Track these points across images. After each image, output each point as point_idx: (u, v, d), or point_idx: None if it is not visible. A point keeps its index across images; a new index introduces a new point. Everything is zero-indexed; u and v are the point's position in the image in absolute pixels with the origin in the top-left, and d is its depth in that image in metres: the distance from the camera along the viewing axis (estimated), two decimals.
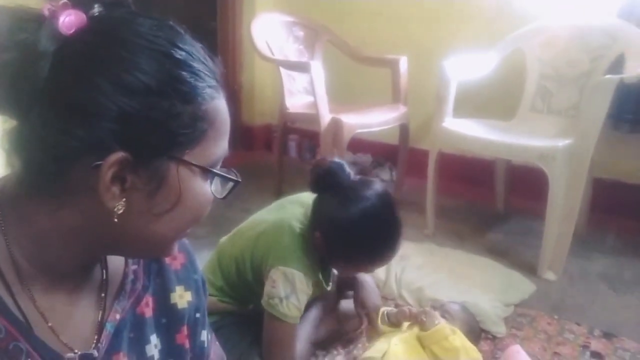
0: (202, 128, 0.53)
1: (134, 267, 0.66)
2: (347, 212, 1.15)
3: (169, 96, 0.51)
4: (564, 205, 1.80)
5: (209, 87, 0.54)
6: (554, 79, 2.19)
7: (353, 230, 1.16)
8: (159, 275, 0.69)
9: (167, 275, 0.69)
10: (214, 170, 0.56)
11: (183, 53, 0.52)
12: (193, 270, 0.73)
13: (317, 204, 1.21)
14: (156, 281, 0.68)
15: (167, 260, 0.70)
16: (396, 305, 1.59)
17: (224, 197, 0.60)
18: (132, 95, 0.49)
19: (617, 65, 1.98)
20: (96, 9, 0.52)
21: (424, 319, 1.25)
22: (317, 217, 1.20)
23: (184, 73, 0.52)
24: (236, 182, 0.59)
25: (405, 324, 1.31)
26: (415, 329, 1.29)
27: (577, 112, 1.99)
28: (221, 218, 1.42)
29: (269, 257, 1.19)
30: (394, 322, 1.33)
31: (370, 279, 1.44)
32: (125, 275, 0.64)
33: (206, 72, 0.54)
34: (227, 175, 0.58)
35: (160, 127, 0.51)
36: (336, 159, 1.20)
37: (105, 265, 0.63)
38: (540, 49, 2.21)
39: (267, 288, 1.18)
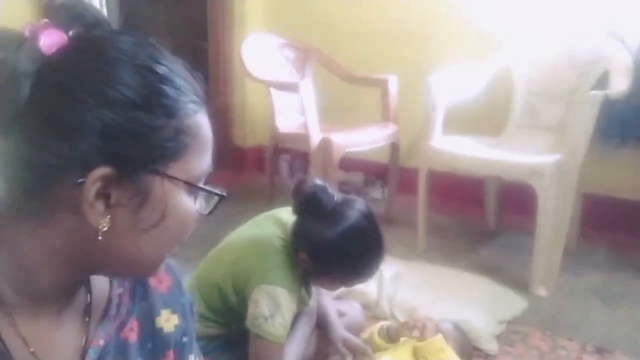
0: (185, 141, 0.53)
1: (119, 290, 0.65)
2: (333, 232, 1.16)
3: (152, 110, 0.51)
4: (554, 220, 1.81)
5: (192, 102, 0.54)
6: (541, 96, 2.22)
7: (340, 249, 1.17)
8: (145, 299, 0.68)
9: (152, 299, 0.68)
10: (198, 185, 0.56)
11: (165, 68, 0.53)
12: (180, 293, 0.73)
13: (300, 225, 1.21)
14: (141, 305, 0.67)
15: (153, 283, 0.70)
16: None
17: (209, 213, 0.59)
18: (115, 109, 0.49)
19: (603, 81, 2.01)
20: (76, 29, 0.53)
21: (423, 330, 1.25)
22: (302, 238, 1.20)
23: (166, 87, 0.52)
24: (221, 197, 0.59)
25: (402, 340, 1.32)
26: (409, 345, 1.29)
27: (565, 128, 2.02)
28: (212, 239, 1.40)
29: (251, 276, 1.19)
30: (393, 337, 1.33)
31: (332, 309, 1.42)
32: (110, 299, 0.64)
33: (188, 88, 0.55)
34: (211, 189, 0.58)
35: (143, 140, 0.51)
36: (318, 182, 1.20)
37: (89, 289, 0.62)
38: (528, 67, 2.25)
39: (251, 309, 1.17)
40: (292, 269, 1.21)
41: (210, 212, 0.60)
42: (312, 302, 1.32)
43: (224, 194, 0.59)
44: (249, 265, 1.21)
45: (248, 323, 1.18)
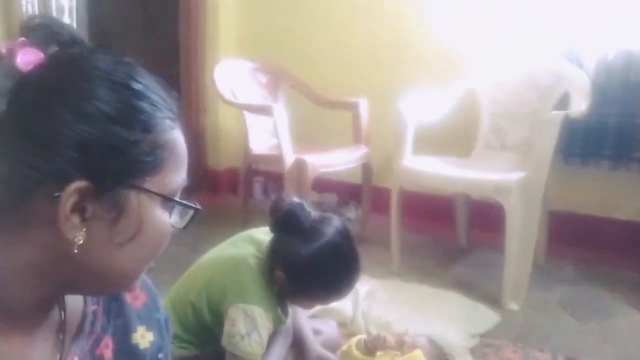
0: (162, 156, 0.54)
1: (94, 307, 0.65)
2: (311, 251, 1.17)
3: (128, 124, 0.52)
4: (522, 236, 1.87)
5: (167, 117, 0.56)
6: (506, 117, 2.30)
7: (318, 268, 1.18)
8: (120, 315, 0.68)
9: (128, 315, 0.68)
10: (174, 199, 0.57)
11: (141, 85, 0.54)
12: (155, 309, 0.72)
13: (277, 243, 1.22)
14: (116, 321, 0.67)
15: (129, 299, 0.69)
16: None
17: (184, 227, 0.60)
18: (92, 123, 0.50)
19: (564, 102, 2.10)
20: (53, 48, 0.54)
21: (402, 344, 1.27)
22: (279, 257, 1.21)
23: (142, 103, 0.54)
24: (196, 211, 0.60)
25: (379, 353, 1.33)
26: (387, 358, 1.30)
27: (529, 147, 2.09)
28: (187, 261, 1.40)
29: (227, 294, 1.19)
30: (370, 349, 1.34)
31: (307, 327, 1.43)
32: (84, 315, 0.63)
33: (164, 104, 0.56)
34: (186, 203, 0.59)
35: (120, 154, 0.52)
36: (295, 199, 1.22)
37: (63, 306, 0.61)
38: (492, 89, 2.34)
39: (227, 328, 1.17)
40: (268, 288, 1.21)
41: (185, 226, 0.61)
42: (288, 321, 1.33)
43: (199, 207, 0.60)
44: (224, 284, 1.21)
45: (224, 342, 1.17)
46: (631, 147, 2.19)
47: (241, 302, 1.17)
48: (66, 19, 2.36)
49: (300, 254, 1.18)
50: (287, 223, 1.19)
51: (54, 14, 2.34)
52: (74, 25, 2.44)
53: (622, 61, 2.17)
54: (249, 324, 1.15)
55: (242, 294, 1.18)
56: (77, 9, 2.51)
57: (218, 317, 1.21)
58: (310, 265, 1.18)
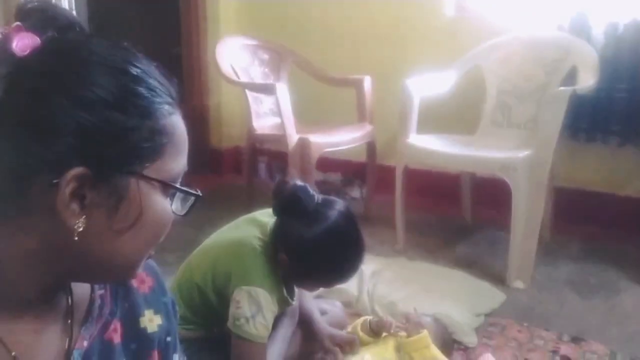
0: (161, 142, 0.54)
1: (101, 292, 0.65)
2: (314, 234, 1.17)
3: (127, 110, 0.51)
4: (528, 214, 1.86)
5: (166, 103, 0.55)
6: (512, 94, 2.27)
7: (321, 251, 1.18)
8: (127, 300, 0.68)
9: (135, 300, 0.69)
10: (175, 185, 0.57)
11: (139, 70, 0.53)
12: (162, 293, 0.73)
13: (281, 226, 1.21)
14: (124, 306, 0.67)
15: (135, 283, 0.69)
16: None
17: (185, 214, 0.60)
18: (90, 110, 0.50)
19: (571, 77, 2.07)
20: (50, 32, 0.53)
21: (409, 325, 1.27)
22: (283, 240, 1.21)
23: (140, 89, 0.53)
24: (197, 197, 0.59)
25: (383, 335, 1.33)
26: (391, 342, 1.30)
27: (535, 124, 2.07)
28: (192, 242, 1.40)
29: (232, 277, 1.19)
30: (375, 331, 1.34)
31: (314, 307, 1.43)
32: (91, 300, 0.63)
33: (162, 89, 0.55)
34: (187, 189, 0.58)
35: (119, 141, 0.51)
36: (299, 182, 1.21)
37: (70, 291, 0.62)
38: (498, 65, 2.30)
39: (232, 310, 1.17)
40: (273, 270, 1.21)
41: (186, 213, 0.60)
42: (294, 303, 1.33)
43: (200, 193, 0.59)
44: (229, 267, 1.21)
45: (229, 324, 1.18)
46: (639, 123, 2.16)
47: (245, 284, 1.17)
48: None
49: (303, 238, 1.17)
50: (291, 206, 1.18)
51: None
52: (72, 4, 2.39)
53: (632, 34, 2.12)
54: (254, 306, 1.16)
55: (246, 276, 1.18)
56: None
57: (223, 300, 1.21)
58: (313, 249, 1.18)
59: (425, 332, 1.28)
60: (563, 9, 2.25)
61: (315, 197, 1.20)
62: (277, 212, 1.22)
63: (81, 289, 0.63)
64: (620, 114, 2.18)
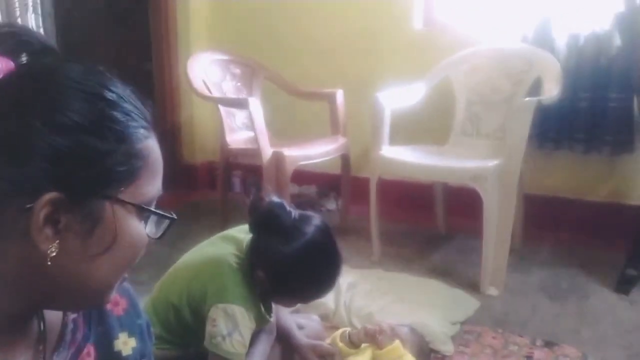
0: (137, 166, 0.54)
1: (74, 316, 0.64)
2: (292, 251, 1.16)
3: (102, 135, 0.51)
4: (499, 222, 1.90)
5: (141, 127, 0.55)
6: (481, 104, 2.32)
7: (299, 267, 1.17)
8: (101, 323, 0.67)
9: (109, 322, 0.68)
10: (150, 209, 0.57)
11: (114, 95, 0.53)
12: (136, 315, 0.72)
13: (258, 243, 1.20)
14: (97, 329, 0.66)
15: (109, 306, 0.68)
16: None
17: (160, 237, 0.60)
18: (65, 134, 0.50)
19: (536, 88, 2.13)
20: (24, 57, 0.53)
21: (380, 338, 1.28)
22: (260, 257, 1.20)
23: (116, 113, 0.53)
24: (172, 220, 0.59)
25: (363, 345, 1.34)
26: (369, 352, 1.31)
27: (504, 134, 2.12)
28: (166, 260, 1.38)
29: (207, 295, 1.17)
30: (354, 342, 1.35)
31: (292, 322, 1.43)
32: (64, 325, 0.62)
33: (137, 113, 0.55)
34: (162, 213, 0.58)
35: (93, 165, 0.51)
36: (275, 198, 1.20)
37: (42, 316, 0.60)
38: (466, 77, 2.35)
39: (208, 328, 1.16)
40: (249, 286, 1.20)
41: (161, 236, 0.60)
42: (272, 319, 1.32)
43: (175, 217, 0.59)
44: (204, 285, 1.19)
45: (206, 343, 1.16)
46: (603, 130, 2.24)
47: (221, 302, 1.16)
48: (31, 15, 2.29)
49: (281, 254, 1.16)
50: (268, 223, 1.17)
51: (17, 10, 2.26)
52: (40, 21, 2.36)
53: (592, 45, 2.20)
54: (230, 324, 1.15)
55: (222, 294, 1.17)
56: (42, 3, 2.43)
57: (199, 318, 1.20)
58: (291, 266, 1.17)
59: (397, 342, 1.29)
60: (527, 20, 2.32)
61: (292, 214, 1.19)
62: (253, 229, 1.21)
63: (53, 314, 0.62)
64: (584, 122, 2.26)
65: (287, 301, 1.31)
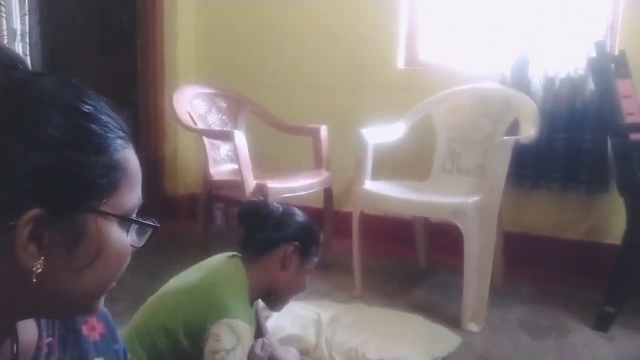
0: (116, 177, 0.54)
1: (49, 340, 0.63)
2: (298, 222, 1.38)
3: (81, 148, 0.51)
4: (480, 258, 1.91)
5: (119, 137, 0.55)
6: (461, 142, 2.38)
7: (311, 225, 1.40)
8: (77, 348, 0.66)
9: (85, 347, 0.66)
10: (132, 218, 0.57)
11: (90, 107, 0.53)
12: (113, 340, 0.71)
13: (267, 227, 1.34)
14: (73, 354, 0.65)
15: (85, 331, 0.67)
16: None
17: (144, 246, 0.60)
18: (43, 150, 0.49)
19: (515, 128, 2.19)
20: None
21: None
22: (285, 235, 1.33)
23: (93, 126, 0.53)
24: (155, 228, 0.59)
25: None
26: None
27: (484, 171, 2.16)
28: (144, 292, 1.36)
29: (209, 315, 1.18)
30: None
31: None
32: (38, 349, 0.61)
33: (114, 124, 0.55)
34: (145, 222, 0.58)
35: (74, 179, 0.51)
36: (257, 199, 1.39)
37: (16, 339, 0.59)
38: (447, 115, 2.41)
39: (211, 344, 1.15)
40: (246, 302, 1.24)
41: (144, 245, 0.60)
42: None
43: (158, 225, 0.59)
44: (204, 308, 1.20)
45: (207, 359, 1.15)
46: (579, 170, 2.30)
47: (227, 317, 1.17)
48: (19, 44, 2.30)
49: (299, 225, 1.37)
50: (260, 215, 1.35)
51: (6, 39, 2.28)
52: (27, 50, 2.38)
53: (568, 88, 2.29)
54: (234, 339, 1.15)
55: (225, 310, 1.18)
56: (30, 33, 2.45)
57: (194, 341, 1.19)
58: (308, 229, 1.38)
59: None
60: (505, 60, 2.40)
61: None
62: (249, 221, 1.35)
63: (28, 337, 0.61)
64: (561, 162, 2.32)
65: (308, 271, 1.38)
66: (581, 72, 2.26)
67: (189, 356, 1.21)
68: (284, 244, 1.32)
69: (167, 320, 1.23)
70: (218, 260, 1.34)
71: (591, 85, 2.22)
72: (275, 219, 1.34)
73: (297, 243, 1.33)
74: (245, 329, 1.18)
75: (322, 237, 1.45)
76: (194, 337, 1.20)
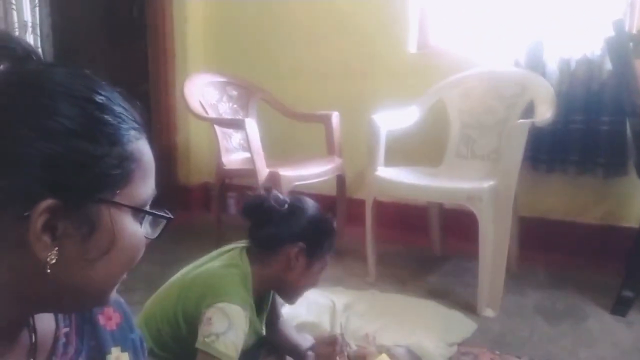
0: (130, 168, 0.54)
1: (66, 329, 0.63)
2: (306, 218, 1.29)
3: (94, 139, 0.51)
4: (494, 243, 1.89)
5: (132, 128, 0.55)
6: (475, 127, 2.35)
7: (320, 222, 1.32)
8: (93, 338, 0.66)
9: (102, 337, 0.67)
10: (146, 209, 0.56)
11: (103, 97, 0.53)
12: (130, 329, 0.71)
13: (270, 224, 1.26)
14: (90, 344, 0.65)
15: (102, 320, 0.68)
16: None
17: (157, 237, 0.59)
18: (55, 140, 0.49)
19: (530, 111, 2.16)
20: (8, 64, 0.52)
21: (367, 353, 1.28)
22: (292, 233, 1.26)
23: (106, 116, 0.53)
24: (168, 219, 0.59)
25: None
26: None
27: (498, 156, 2.13)
28: (158, 281, 1.37)
29: (205, 299, 1.17)
30: None
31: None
32: (56, 338, 0.61)
33: (128, 115, 0.55)
34: (158, 213, 0.58)
35: (87, 169, 0.51)
36: (262, 191, 1.31)
37: (33, 329, 0.60)
38: (460, 100, 2.38)
39: (203, 327, 1.14)
40: (246, 290, 1.22)
41: (158, 236, 0.60)
42: (263, 331, 1.33)
43: (171, 216, 0.59)
44: (200, 292, 1.20)
45: (199, 343, 1.13)
46: (595, 152, 2.26)
47: (220, 301, 1.15)
48: (29, 36, 2.31)
49: (309, 217, 1.29)
50: (266, 208, 1.26)
51: (17, 31, 2.29)
52: (38, 42, 2.39)
53: (584, 69, 2.24)
54: (226, 322, 1.13)
55: (220, 293, 1.17)
56: (41, 25, 2.46)
57: (193, 326, 1.19)
58: (318, 221, 1.30)
59: (384, 356, 1.28)
60: (519, 44, 2.35)
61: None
62: (256, 213, 1.28)
63: (45, 327, 0.61)
64: (577, 144, 2.28)
65: (317, 269, 1.32)
66: (598, 52, 2.21)
67: (189, 344, 1.20)
68: (288, 244, 1.25)
69: (169, 308, 1.23)
70: (226, 249, 1.33)
71: (608, 66, 2.16)
72: (280, 215, 1.26)
73: (302, 243, 1.25)
74: (238, 313, 1.15)
75: (334, 227, 1.37)
76: (192, 322, 1.19)
